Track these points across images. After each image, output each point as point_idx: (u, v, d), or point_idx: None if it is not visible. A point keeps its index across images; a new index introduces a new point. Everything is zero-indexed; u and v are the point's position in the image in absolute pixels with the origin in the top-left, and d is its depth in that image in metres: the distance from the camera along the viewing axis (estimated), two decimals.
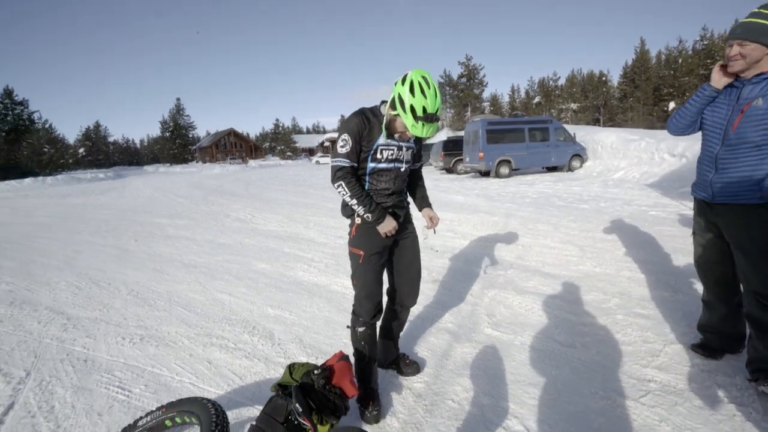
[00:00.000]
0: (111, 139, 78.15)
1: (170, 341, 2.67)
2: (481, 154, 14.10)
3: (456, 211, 7.00)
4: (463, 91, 49.61)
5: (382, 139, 1.79)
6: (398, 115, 1.72)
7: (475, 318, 2.72)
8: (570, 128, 17.76)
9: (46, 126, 50.57)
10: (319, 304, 3.15)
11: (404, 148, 1.87)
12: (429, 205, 2.12)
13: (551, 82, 53.22)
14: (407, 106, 1.66)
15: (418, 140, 1.95)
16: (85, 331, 2.95)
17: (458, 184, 12.95)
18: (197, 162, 63.10)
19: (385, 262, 1.96)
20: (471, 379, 2.03)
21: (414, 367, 2.13)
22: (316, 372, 1.54)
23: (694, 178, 2.04)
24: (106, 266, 4.74)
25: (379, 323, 1.99)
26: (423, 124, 1.67)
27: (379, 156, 1.81)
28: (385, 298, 1.99)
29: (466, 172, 16.65)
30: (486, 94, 53.09)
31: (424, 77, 1.68)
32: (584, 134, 16.95)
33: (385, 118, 1.79)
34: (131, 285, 3.95)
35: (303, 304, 3.16)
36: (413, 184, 2.12)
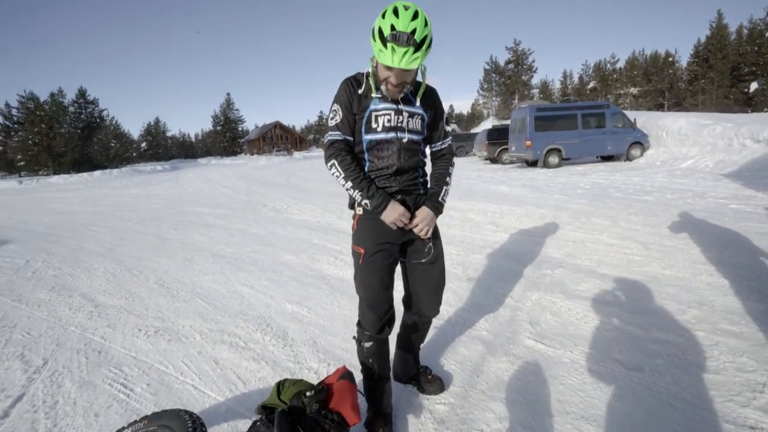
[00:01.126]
0: (169, 134, 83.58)
1: (183, 336, 2.54)
2: (529, 143, 13.19)
3: (498, 203, 6.48)
4: (510, 78, 47.39)
5: (375, 103, 1.46)
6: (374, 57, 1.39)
7: (514, 326, 2.33)
8: (630, 114, 16.19)
9: (113, 122, 55.04)
10: (340, 301, 2.90)
11: (405, 113, 1.49)
12: (431, 199, 1.58)
13: (608, 66, 49.26)
14: (375, 31, 1.32)
15: (429, 104, 1.55)
16: (107, 320, 2.92)
17: (502, 174, 12.22)
18: (245, 154, 65.89)
19: (394, 263, 1.58)
20: (506, 404, 1.67)
21: (437, 383, 1.80)
22: (308, 393, 1.27)
23: None
24: (143, 254, 4.83)
25: (392, 335, 1.66)
26: (393, 48, 1.28)
27: (374, 124, 1.47)
28: (399, 307, 1.68)
29: (511, 162, 15.76)
30: (535, 81, 50.42)
31: (405, 5, 1.32)
32: (646, 120, 15.36)
33: (371, 79, 1.46)
34: (160, 274, 3.95)
35: (323, 301, 2.93)
36: (433, 166, 1.70)
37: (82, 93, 51.71)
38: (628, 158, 13.56)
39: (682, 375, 1.76)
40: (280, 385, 1.36)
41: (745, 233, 3.74)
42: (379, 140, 1.48)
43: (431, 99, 1.59)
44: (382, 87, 1.43)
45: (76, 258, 4.94)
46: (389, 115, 1.47)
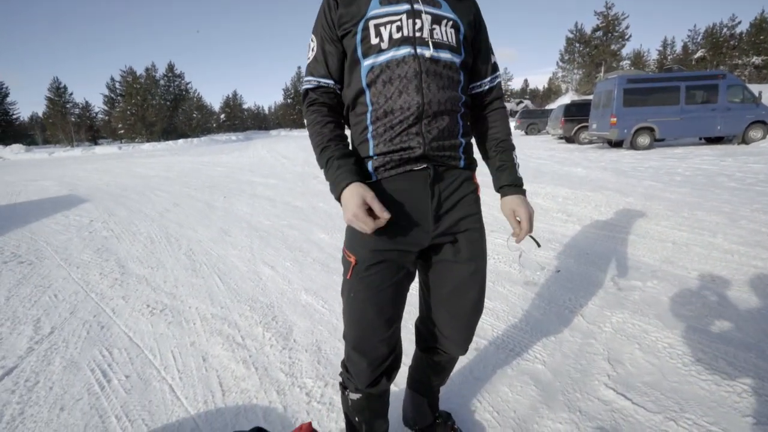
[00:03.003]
0: (245, 106, 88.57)
1: (185, 319, 2.28)
2: (614, 119, 11.39)
3: (573, 187, 5.50)
4: (597, 47, 42.22)
5: (374, 5, 0.91)
6: None
7: (585, 362, 1.68)
8: (753, 87, 13.30)
9: (197, 95, 59.54)
10: None
11: (425, 15, 0.91)
12: (516, 182, 1.06)
13: (725, 31, 41.52)
14: None
15: (463, 9, 0.98)
16: (125, 290, 2.79)
17: (579, 154, 10.76)
18: None
19: (406, 280, 1.02)
20: None
21: None
22: None
23: None
24: (186, 221, 4.81)
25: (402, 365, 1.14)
26: None
27: (374, 40, 0.90)
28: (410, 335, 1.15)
29: (590, 142, 13.93)
30: (627, 51, 44.42)
31: None
32: None
33: None
34: (193, 243, 3.82)
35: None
36: (481, 125, 1.11)
37: (170, 67, 56.27)
38: (744, 141, 11.18)
39: None
40: None
41: None
42: (386, 63, 0.91)
43: (466, 2, 1.01)
44: None
45: (130, 220, 5.08)
46: (399, 20, 0.90)
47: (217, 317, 2.27)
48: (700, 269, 2.56)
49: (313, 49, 0.99)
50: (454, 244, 1.02)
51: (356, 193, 0.87)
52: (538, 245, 1.16)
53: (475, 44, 1.02)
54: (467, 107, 1.02)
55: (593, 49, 42.48)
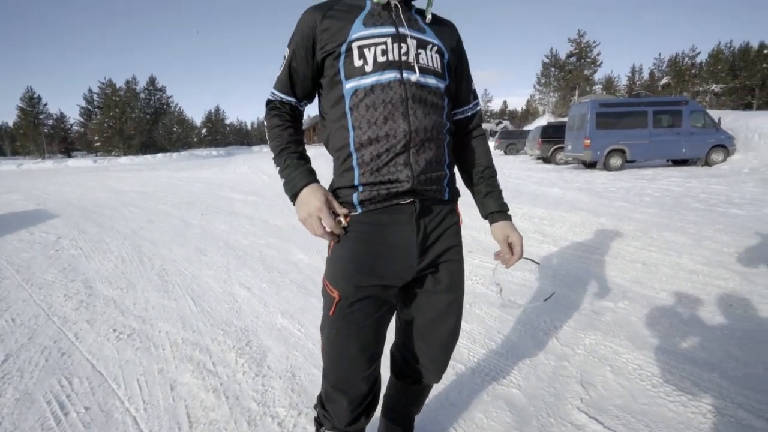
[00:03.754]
0: (227, 122, 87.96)
1: (153, 345, 2.19)
2: (588, 141, 11.89)
3: (549, 207, 5.65)
4: (571, 72, 44.19)
5: (358, 28, 0.90)
6: None
7: (559, 385, 1.70)
8: (713, 113, 14.16)
9: (178, 109, 58.83)
10: None
11: (411, 40, 0.91)
12: (503, 208, 1.09)
13: (686, 60, 44.28)
14: None
15: (446, 36, 1.00)
16: (91, 313, 2.67)
17: (555, 175, 11.10)
18: None
19: (389, 314, 1.02)
20: None
21: None
22: None
23: None
24: (161, 239, 4.68)
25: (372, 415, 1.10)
26: None
27: (357, 62, 0.89)
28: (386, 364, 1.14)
29: (566, 162, 14.42)
30: (599, 76, 46.66)
31: None
32: (733, 120, 13.37)
33: None
34: (166, 263, 3.71)
35: (320, 315, 2.45)
36: (464, 152, 1.10)
37: (152, 80, 55.62)
38: (707, 163, 11.82)
39: None
40: None
41: None
42: (371, 87, 0.89)
43: (448, 29, 1.03)
44: None
45: (101, 238, 4.90)
46: (384, 43, 0.89)
47: (188, 342, 2.19)
48: (668, 289, 2.65)
49: (282, 65, 1.00)
50: (434, 275, 1.02)
51: (318, 190, 0.92)
52: (537, 263, 1.20)
53: (457, 71, 1.04)
54: (451, 135, 1.03)
55: (567, 73, 44.44)
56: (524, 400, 1.59)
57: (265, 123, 1.02)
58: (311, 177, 0.95)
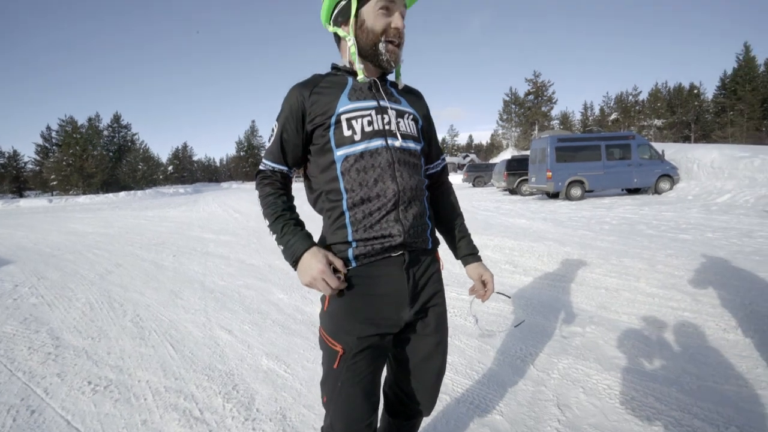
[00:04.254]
0: (195, 158, 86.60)
1: (134, 395, 2.13)
2: (549, 174, 12.68)
3: (517, 238, 5.96)
4: (530, 108, 47.32)
5: (344, 102, 1.03)
6: (353, 15, 1.03)
7: (538, 409, 1.81)
8: (657, 146, 15.55)
9: (143, 146, 57.48)
10: None
11: (391, 111, 1.06)
12: (474, 251, 1.24)
13: (630, 98, 48.64)
14: None
15: (417, 104, 1.16)
16: (61, 366, 2.55)
17: (522, 206, 11.67)
18: None
19: (385, 360, 1.10)
20: None
21: None
22: None
23: None
24: (131, 284, 4.53)
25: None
26: None
27: (347, 132, 1.01)
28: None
29: (531, 194, 15.21)
30: (555, 112, 50.15)
31: None
32: (675, 152, 14.69)
33: (347, 52, 1.08)
34: (140, 309, 3.60)
35: (306, 356, 2.48)
36: (436, 202, 1.24)
37: (116, 118, 54.50)
38: (657, 191, 12.84)
39: None
40: None
41: None
42: (360, 153, 1.01)
43: (417, 98, 1.20)
44: (381, 46, 1.03)
45: (64, 284, 4.67)
46: (369, 115, 1.03)
47: (171, 390, 2.15)
48: (629, 312, 2.88)
49: (272, 137, 1.10)
50: (423, 319, 1.11)
51: (320, 254, 0.97)
52: (509, 297, 1.34)
53: (427, 134, 1.20)
54: (428, 190, 1.18)
55: (527, 110, 47.54)
56: (507, 425, 1.69)
57: (258, 191, 1.10)
58: (310, 241, 1.01)
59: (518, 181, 16.00)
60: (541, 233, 6.42)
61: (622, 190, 13.66)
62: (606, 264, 4.21)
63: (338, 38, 1.12)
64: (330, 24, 1.10)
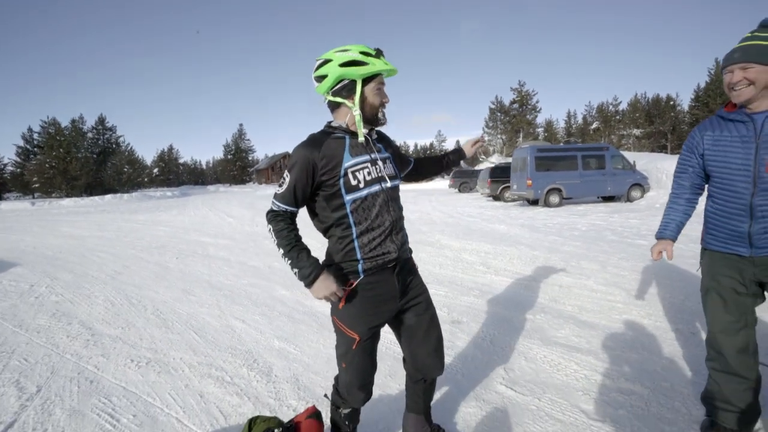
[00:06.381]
0: (181, 161, 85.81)
1: (173, 368, 2.65)
2: (530, 182, 13.47)
3: (494, 243, 6.61)
4: (515, 117, 48.66)
5: (347, 159, 1.40)
6: (349, 93, 1.41)
7: (489, 371, 2.41)
8: (630, 156, 16.57)
9: (128, 148, 56.88)
10: (326, 339, 3.00)
11: (379, 161, 1.47)
12: (457, 147, 1.89)
13: (611, 107, 50.51)
14: (357, 56, 1.38)
15: (385, 142, 1.58)
16: (102, 349, 3.04)
17: (503, 212, 12.39)
18: (254, 183, 67.23)
19: (378, 338, 1.57)
20: None
21: None
22: (277, 430, 1.37)
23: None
24: (144, 283, 4.98)
25: (400, 394, 1.71)
26: (383, 61, 1.41)
27: (353, 182, 1.39)
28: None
29: (513, 200, 15.99)
30: (540, 120, 51.66)
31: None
32: (647, 162, 15.69)
33: (349, 116, 1.44)
34: (158, 304, 4.08)
35: (310, 338, 3.03)
36: (420, 167, 1.81)
37: (101, 120, 53.84)
38: (629, 199, 13.73)
39: (641, 427, 1.83)
40: (252, 422, 1.47)
41: None
42: (364, 198, 1.40)
43: (385, 141, 1.61)
44: (380, 114, 1.46)
45: (79, 284, 5.10)
46: (367, 167, 1.42)
47: (203, 364, 2.67)
48: (574, 304, 3.51)
49: (286, 184, 1.40)
50: (418, 305, 1.57)
51: (329, 277, 1.37)
52: (486, 141, 1.89)
53: (397, 156, 1.65)
54: (413, 174, 1.78)
55: (512, 118, 48.94)
56: (465, 381, 2.28)
57: (272, 227, 1.41)
58: (320, 267, 1.39)
59: (501, 187, 16.78)
60: (516, 238, 7.08)
61: (598, 197, 14.53)
62: (565, 265, 4.86)
63: (336, 105, 1.46)
64: (329, 94, 1.44)
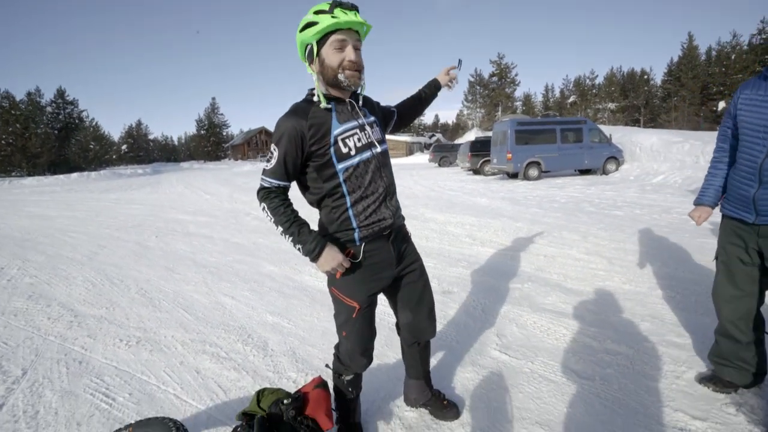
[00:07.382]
0: (151, 137, 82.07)
1: (165, 346, 2.60)
2: (509, 155, 13.61)
3: (478, 215, 6.70)
4: (494, 90, 48.53)
5: (335, 126, 1.34)
6: (315, 56, 1.31)
7: (482, 337, 2.49)
8: (606, 129, 16.89)
9: (93, 124, 53.76)
10: (320, 313, 3.01)
11: (367, 126, 1.41)
12: (433, 79, 1.83)
13: (588, 81, 51.03)
14: (311, 14, 1.27)
15: (371, 107, 1.52)
16: (87, 330, 2.95)
17: (483, 186, 12.53)
18: (229, 159, 65.20)
19: (376, 304, 1.57)
20: (470, 411, 1.82)
21: (453, 410, 1.77)
22: (285, 401, 1.38)
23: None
24: (123, 262, 4.83)
25: (399, 363, 1.75)
26: (342, 12, 1.25)
27: (344, 150, 1.34)
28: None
29: (493, 174, 16.17)
30: (518, 94, 51.75)
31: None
32: (621, 135, 16.06)
33: (317, 89, 1.35)
34: (141, 283, 3.97)
35: (303, 312, 3.03)
36: (408, 107, 1.77)
37: (60, 93, 50.50)
38: (605, 172, 14.12)
39: (627, 383, 1.95)
40: (260, 394, 1.47)
41: (701, 250, 4.03)
42: (356, 165, 1.35)
43: (371, 104, 1.56)
44: (341, 76, 1.30)
45: (53, 265, 4.89)
46: (356, 133, 1.37)
47: (196, 341, 2.64)
48: (559, 273, 3.64)
49: (275, 158, 1.32)
50: (413, 272, 1.58)
51: (333, 248, 1.34)
52: (460, 62, 1.86)
53: (381, 113, 1.60)
54: (405, 113, 1.73)
55: (491, 91, 48.80)
56: (460, 348, 2.35)
57: (266, 204, 1.35)
58: (324, 240, 1.34)
59: (481, 161, 16.91)
60: (499, 211, 7.20)
61: (575, 170, 14.86)
62: (548, 236, 5.00)
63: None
64: (307, 64, 1.38)
